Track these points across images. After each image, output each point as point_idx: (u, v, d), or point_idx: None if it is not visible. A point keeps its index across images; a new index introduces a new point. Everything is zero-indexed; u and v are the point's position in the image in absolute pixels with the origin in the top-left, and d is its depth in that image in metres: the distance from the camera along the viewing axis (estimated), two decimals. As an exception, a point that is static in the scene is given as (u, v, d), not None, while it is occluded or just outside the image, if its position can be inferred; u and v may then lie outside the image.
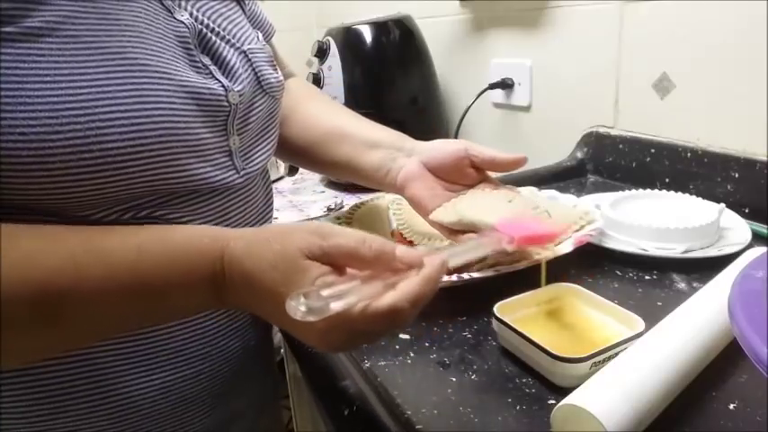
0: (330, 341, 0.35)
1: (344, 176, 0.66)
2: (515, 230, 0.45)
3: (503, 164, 0.57)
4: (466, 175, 0.58)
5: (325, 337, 0.35)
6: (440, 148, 0.59)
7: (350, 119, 0.68)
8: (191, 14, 0.49)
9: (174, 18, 0.47)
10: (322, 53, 1.14)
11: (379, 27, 1.11)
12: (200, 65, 0.48)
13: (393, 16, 1.13)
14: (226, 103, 0.48)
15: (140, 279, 0.38)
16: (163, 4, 0.47)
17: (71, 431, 0.48)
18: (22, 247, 0.36)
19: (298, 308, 0.31)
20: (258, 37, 0.58)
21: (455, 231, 0.51)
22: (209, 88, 0.47)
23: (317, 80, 1.15)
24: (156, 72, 0.43)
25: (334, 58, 1.13)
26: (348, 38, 1.12)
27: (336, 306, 0.32)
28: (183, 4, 0.49)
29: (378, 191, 0.72)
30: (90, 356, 0.46)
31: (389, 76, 1.13)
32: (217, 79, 0.48)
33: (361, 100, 1.10)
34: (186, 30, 0.47)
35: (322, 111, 0.69)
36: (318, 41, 1.15)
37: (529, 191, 0.68)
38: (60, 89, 0.38)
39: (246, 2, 0.62)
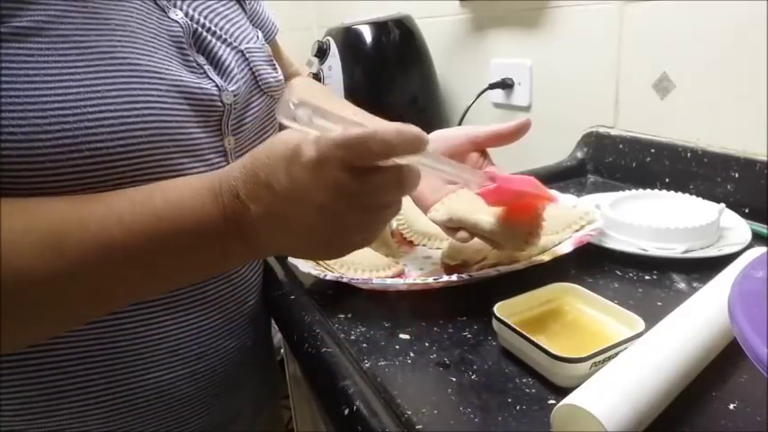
0: (324, 178, 0.34)
1: None
2: (504, 183, 0.44)
3: (507, 134, 0.54)
4: (467, 161, 0.56)
5: (319, 172, 0.34)
6: (441, 138, 0.56)
7: (354, 116, 0.67)
8: (186, 14, 0.49)
9: (168, 17, 0.47)
10: (322, 53, 1.15)
11: (379, 27, 1.11)
12: (194, 64, 0.48)
13: (393, 16, 1.13)
14: (219, 103, 0.48)
15: (140, 205, 0.38)
16: (157, 4, 0.47)
17: (66, 429, 0.48)
18: (20, 203, 0.37)
19: (289, 102, 0.33)
20: (258, 36, 0.58)
21: (453, 229, 0.51)
22: (201, 88, 0.46)
23: (317, 80, 1.15)
24: (147, 71, 0.43)
25: (334, 58, 1.13)
26: (348, 38, 1.12)
27: (319, 121, 0.34)
28: (178, 3, 0.49)
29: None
30: (83, 356, 0.46)
31: (389, 76, 1.13)
32: (210, 79, 0.48)
33: (361, 100, 1.10)
34: (180, 29, 0.47)
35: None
36: (318, 41, 1.15)
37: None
38: (49, 89, 0.38)
39: (247, 1, 0.61)
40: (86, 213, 0.37)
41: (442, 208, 0.52)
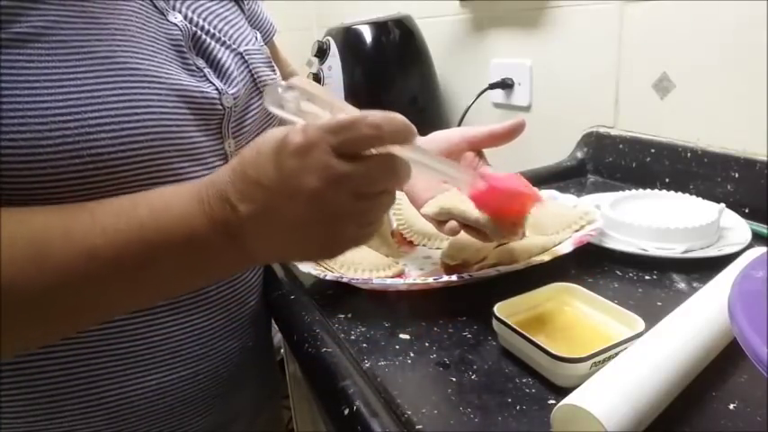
0: (313, 162, 0.33)
1: None
2: (496, 182, 0.43)
3: (502, 134, 0.54)
4: (462, 160, 0.56)
5: (308, 157, 0.33)
6: (437, 139, 0.57)
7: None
8: (185, 16, 0.49)
9: (167, 20, 0.47)
10: (322, 53, 1.15)
11: (379, 27, 1.11)
12: (193, 68, 0.48)
13: (393, 16, 1.13)
14: (219, 107, 0.48)
15: (124, 215, 0.37)
16: (156, 7, 0.47)
17: (68, 431, 0.48)
18: (6, 213, 0.36)
19: (278, 87, 0.33)
20: (256, 37, 0.58)
21: (443, 222, 0.50)
22: (202, 91, 0.46)
23: (317, 80, 1.15)
24: (147, 76, 0.42)
25: (334, 58, 1.13)
26: (348, 38, 1.12)
27: (307, 106, 0.34)
28: (176, 5, 0.49)
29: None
30: (85, 357, 0.46)
31: (389, 76, 1.13)
32: (210, 82, 0.48)
33: (361, 100, 1.10)
34: (179, 32, 0.47)
35: None
36: (318, 41, 1.15)
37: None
38: (49, 95, 0.37)
39: (246, 2, 0.61)
40: (71, 224, 0.36)
41: (434, 203, 0.52)
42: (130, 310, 0.45)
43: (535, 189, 0.47)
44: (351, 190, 0.34)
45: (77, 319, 0.39)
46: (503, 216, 0.46)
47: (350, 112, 0.34)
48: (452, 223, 0.49)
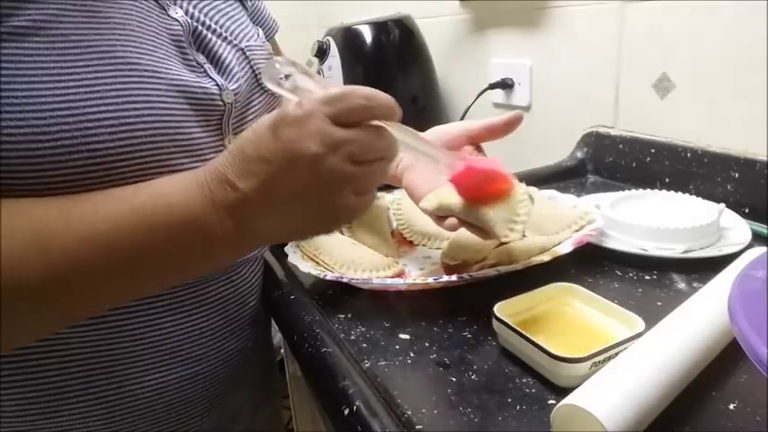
0: (311, 129, 0.36)
1: None
2: (475, 163, 0.45)
3: (499, 127, 0.55)
4: (462, 153, 0.55)
5: (306, 125, 0.36)
6: (439, 132, 0.57)
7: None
8: (186, 12, 0.49)
9: (168, 15, 0.47)
10: (322, 53, 1.15)
11: (379, 27, 1.11)
12: (193, 63, 0.47)
13: (393, 16, 1.13)
14: (220, 102, 0.48)
15: (125, 202, 0.38)
16: (156, 1, 0.47)
17: (68, 430, 0.48)
18: (5, 204, 0.36)
19: (275, 62, 0.37)
20: (258, 34, 0.58)
21: (442, 218, 0.50)
22: (202, 87, 0.46)
23: (317, 80, 1.15)
24: (147, 71, 0.42)
25: (334, 58, 1.13)
26: (348, 38, 1.12)
27: (303, 81, 0.37)
28: (178, 0, 0.49)
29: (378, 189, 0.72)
30: (84, 356, 0.46)
31: (389, 76, 1.13)
32: (211, 78, 0.48)
33: (361, 100, 1.10)
34: (180, 28, 0.47)
35: None
36: (318, 41, 1.16)
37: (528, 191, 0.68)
38: (47, 89, 0.37)
39: None
40: (71, 212, 0.37)
41: (434, 197, 0.51)
42: (137, 298, 0.45)
43: (508, 173, 0.48)
44: (348, 154, 0.37)
45: (82, 307, 0.40)
46: (482, 197, 0.48)
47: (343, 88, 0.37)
48: (452, 220, 0.49)
